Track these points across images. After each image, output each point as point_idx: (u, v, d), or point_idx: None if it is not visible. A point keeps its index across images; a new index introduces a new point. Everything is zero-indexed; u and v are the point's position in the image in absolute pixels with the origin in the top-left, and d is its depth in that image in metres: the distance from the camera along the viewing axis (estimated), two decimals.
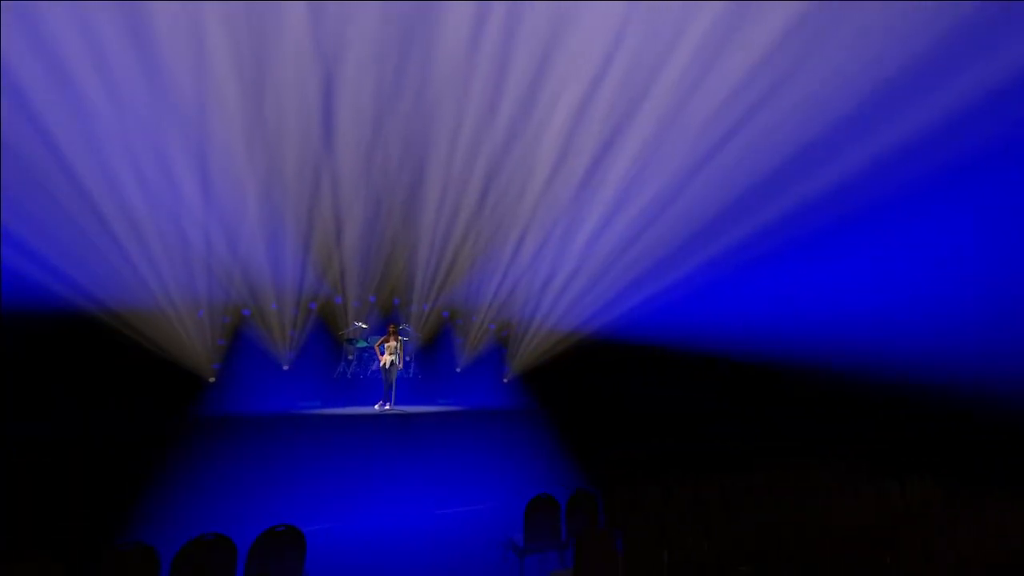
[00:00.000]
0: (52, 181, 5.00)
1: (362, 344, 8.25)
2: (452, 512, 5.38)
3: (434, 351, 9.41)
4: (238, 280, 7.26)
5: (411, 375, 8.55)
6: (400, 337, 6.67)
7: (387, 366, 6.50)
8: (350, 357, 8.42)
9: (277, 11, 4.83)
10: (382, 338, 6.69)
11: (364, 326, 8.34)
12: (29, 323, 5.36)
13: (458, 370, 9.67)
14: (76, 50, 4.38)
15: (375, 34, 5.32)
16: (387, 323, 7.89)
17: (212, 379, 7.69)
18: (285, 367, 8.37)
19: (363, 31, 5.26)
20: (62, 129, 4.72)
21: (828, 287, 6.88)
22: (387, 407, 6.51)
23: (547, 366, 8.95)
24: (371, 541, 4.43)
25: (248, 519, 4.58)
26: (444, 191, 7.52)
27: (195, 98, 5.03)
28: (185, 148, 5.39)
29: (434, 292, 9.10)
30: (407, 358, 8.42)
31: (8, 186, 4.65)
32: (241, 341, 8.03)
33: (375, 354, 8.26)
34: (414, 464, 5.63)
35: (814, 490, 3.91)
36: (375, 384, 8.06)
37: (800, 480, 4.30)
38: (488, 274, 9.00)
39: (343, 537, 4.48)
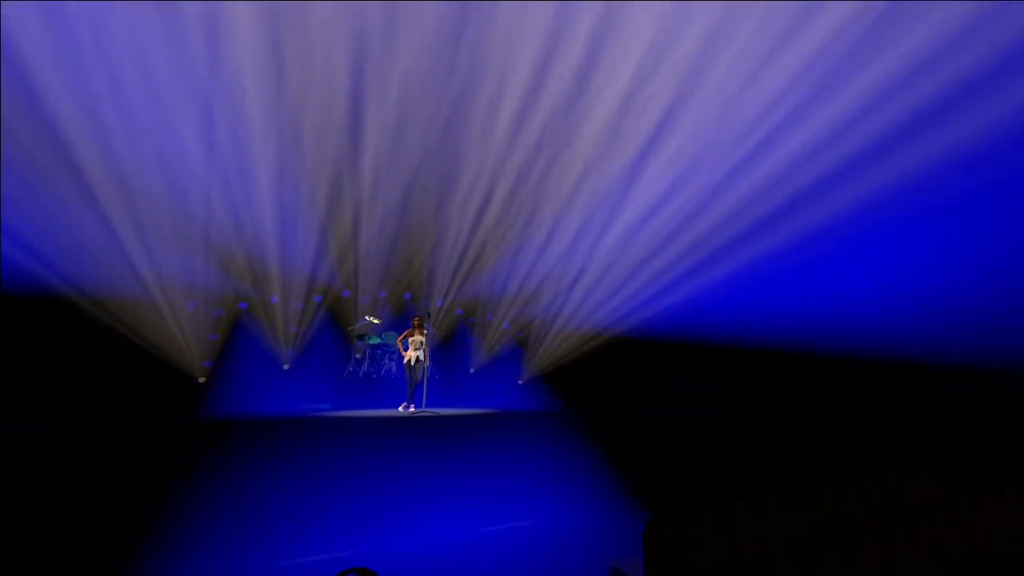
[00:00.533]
0: (35, 143, 4.17)
1: (375, 340, 7.47)
2: (494, 530, 4.67)
3: (449, 350, 8.70)
4: (240, 263, 6.40)
5: (430, 375, 7.80)
6: (425, 331, 5.94)
7: (412, 363, 5.75)
8: (358, 355, 7.62)
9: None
10: (406, 332, 5.95)
11: (376, 321, 7.55)
12: None
13: (472, 371, 8.99)
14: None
15: (412, 23, 4.82)
16: (405, 318, 7.16)
17: (202, 379, 6.77)
18: (286, 366, 7.50)
19: (399, 19, 4.74)
20: (56, 92, 3.95)
21: (875, 285, 6.51)
22: (411, 409, 5.75)
23: (576, 365, 8.32)
24: (400, 570, 3.69)
25: (257, 543, 3.79)
26: (474, 183, 6.93)
27: (209, 62, 4.34)
28: (192, 112, 4.62)
29: (454, 288, 8.40)
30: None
31: None
32: (237, 337, 7.14)
33: (388, 351, 7.50)
34: (446, 474, 4.88)
35: (911, 511, 3.39)
36: (390, 385, 7.28)
37: (891, 497, 3.78)
38: (512, 271, 8.38)
39: (366, 564, 3.71)
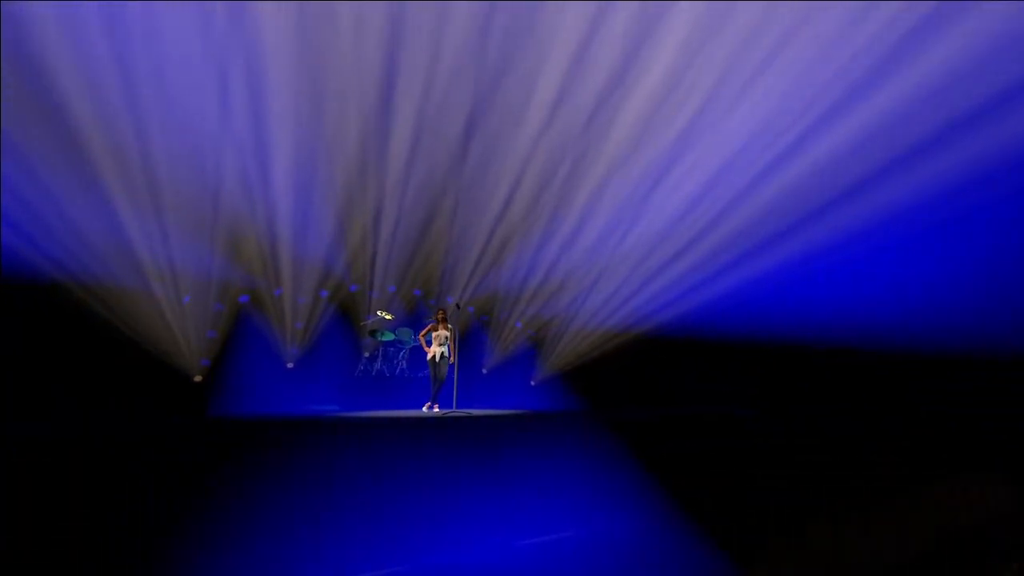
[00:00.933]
0: (27, 116, 3.66)
1: (388, 337, 6.99)
2: (531, 543, 4.22)
3: (463, 349, 8.26)
4: (249, 245, 5.89)
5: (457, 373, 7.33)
6: (449, 327, 5.49)
7: (436, 359, 5.29)
8: (366, 353, 7.14)
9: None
10: (429, 326, 5.49)
11: (389, 316, 7.07)
12: None
13: (484, 371, 8.57)
14: None
15: (443, 21, 4.50)
16: (423, 313, 6.71)
17: (198, 378, 6.22)
18: (290, 365, 6.98)
19: (432, 17, 4.41)
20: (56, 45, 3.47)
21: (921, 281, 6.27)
22: (436, 409, 5.28)
23: (598, 364, 7.94)
24: None
25: (254, 562, 3.30)
26: (498, 179, 6.57)
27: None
28: (205, 68, 4.15)
29: (470, 286, 7.98)
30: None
31: None
32: (236, 334, 6.60)
33: (402, 348, 7.03)
34: (475, 481, 4.42)
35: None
36: (403, 384, 6.81)
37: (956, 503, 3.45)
38: (532, 268, 8.01)
39: None
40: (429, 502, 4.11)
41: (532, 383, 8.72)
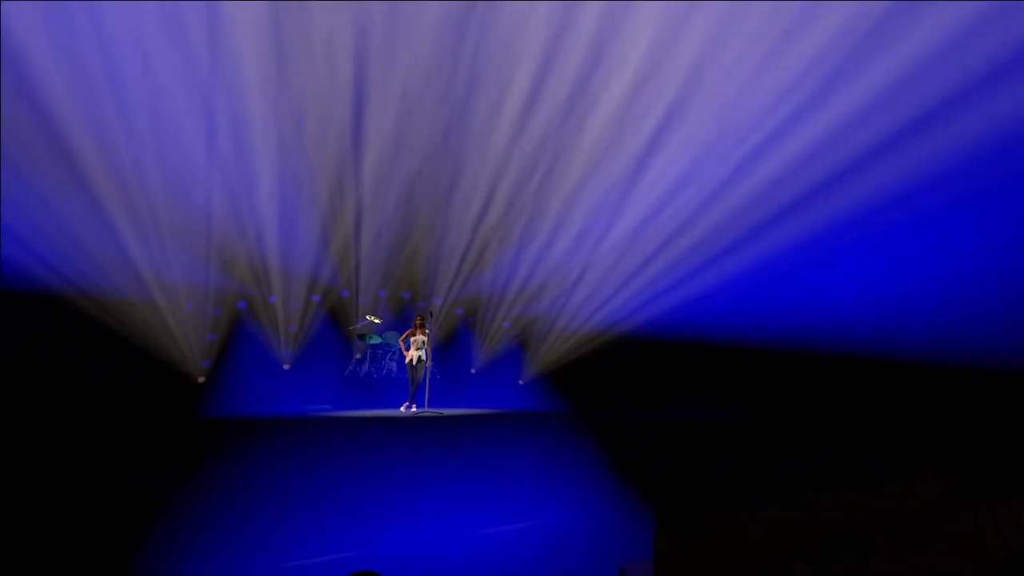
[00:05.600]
0: (33, 136, 4.10)
1: (376, 340, 7.42)
2: (499, 531, 4.63)
3: (449, 350, 8.66)
4: (240, 261, 6.34)
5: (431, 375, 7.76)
6: (427, 330, 5.90)
7: (414, 363, 5.71)
8: (358, 355, 7.58)
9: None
10: (408, 331, 5.91)
11: (377, 321, 7.50)
12: None
13: (473, 371, 8.95)
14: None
15: (416, 24, 4.80)
16: (407, 317, 7.11)
17: (200, 379, 6.70)
18: (286, 366, 7.44)
19: (405, 20, 4.71)
20: (56, 85, 3.89)
21: (889, 283, 6.50)
22: (414, 409, 5.70)
23: (576, 366, 8.30)
24: (404, 572, 3.65)
25: (260, 547, 3.74)
26: (474, 185, 6.89)
27: (209, 53, 4.28)
28: (191, 104, 4.56)
29: (454, 288, 8.36)
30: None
31: None
32: (236, 337, 7.07)
33: (389, 351, 7.46)
34: (449, 475, 4.85)
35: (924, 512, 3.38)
36: (391, 384, 7.23)
37: (901, 498, 3.76)
38: (512, 270, 8.35)
39: (371, 566, 3.67)
40: (402, 493, 4.54)
41: (520, 382, 9.09)
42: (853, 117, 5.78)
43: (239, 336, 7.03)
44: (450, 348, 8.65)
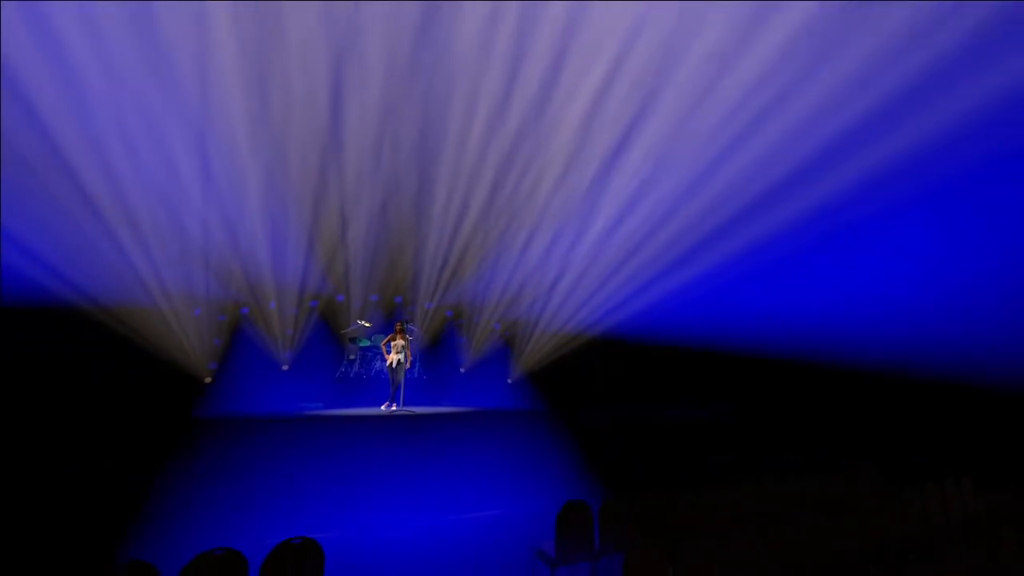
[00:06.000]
0: (48, 175, 4.73)
1: (365, 343, 7.99)
2: (468, 518, 5.14)
3: (438, 351, 9.18)
4: (237, 276, 6.98)
5: (416, 375, 8.31)
6: (407, 335, 6.43)
7: (394, 365, 6.25)
8: (351, 357, 8.15)
9: (285, 5, 4.61)
10: (388, 336, 6.45)
11: (367, 324, 8.07)
12: (18, 319, 5.06)
13: (462, 370, 9.45)
14: (78, 43, 4.14)
15: (385, 29, 5.17)
16: (393, 321, 7.65)
17: (208, 380, 7.38)
18: (285, 367, 8.08)
19: (373, 27, 5.10)
20: (59, 121, 4.47)
21: (843, 284, 6.75)
22: (394, 408, 6.26)
23: (556, 366, 8.74)
24: (381, 550, 4.18)
25: (252, 529, 4.33)
26: (452, 190, 7.33)
27: (198, 89, 4.80)
28: (185, 139, 5.14)
29: (437, 291, 8.87)
30: (413, 357, 8.21)
31: (4, 180, 4.40)
32: (239, 340, 7.74)
33: (378, 353, 8.02)
34: (425, 468, 5.38)
35: (838, 502, 3.74)
36: (380, 384, 7.81)
37: (822, 490, 4.13)
38: (495, 273, 8.80)
39: (350, 546, 4.23)
40: (385, 482, 5.10)
41: (509, 381, 9.56)
42: (808, 121, 6.00)
43: (242, 339, 7.70)
44: (440, 348, 9.18)
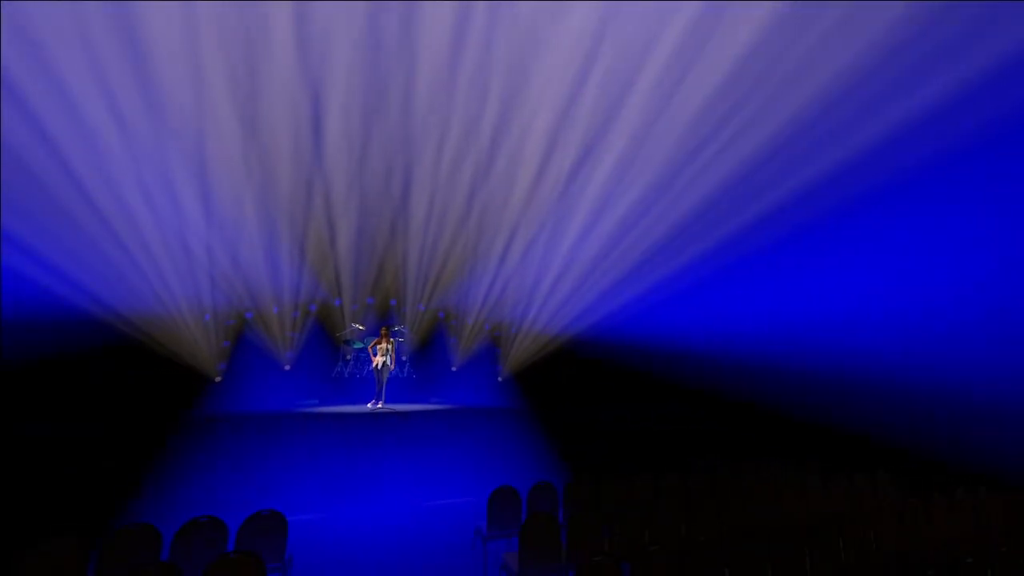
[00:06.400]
0: (80, 214, 5.50)
1: (358, 345, 8.65)
2: (437, 504, 5.75)
3: (430, 350, 9.79)
4: (240, 287, 7.70)
5: (406, 374, 8.96)
6: (392, 339, 7.05)
7: (379, 367, 6.88)
8: (348, 358, 8.83)
9: (268, 44, 5.20)
10: (375, 340, 7.07)
11: (361, 328, 8.73)
12: (55, 330, 5.85)
13: (454, 368, 10.04)
14: (83, 84, 4.78)
15: (358, 55, 5.67)
16: (382, 325, 8.28)
17: (218, 378, 8.15)
18: (287, 367, 8.81)
19: (345, 53, 5.61)
20: (86, 166, 5.19)
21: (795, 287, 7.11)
22: (379, 405, 6.90)
23: (534, 366, 9.28)
24: (359, 529, 4.81)
25: (243, 506, 5.02)
26: (432, 199, 7.89)
27: (195, 128, 5.46)
28: (188, 174, 5.83)
29: (426, 294, 9.48)
30: (403, 358, 8.86)
31: (42, 215, 5.15)
32: (245, 343, 8.49)
33: (368, 355, 8.68)
34: (402, 459, 6.00)
35: (763, 486, 4.20)
36: (371, 383, 8.49)
37: (749, 476, 4.59)
38: (478, 276, 9.35)
39: (333, 526, 4.87)
40: (364, 471, 5.74)
41: (499, 379, 10.13)
42: (786, 113, 6.27)
43: (248, 342, 8.45)
44: (432, 348, 9.80)
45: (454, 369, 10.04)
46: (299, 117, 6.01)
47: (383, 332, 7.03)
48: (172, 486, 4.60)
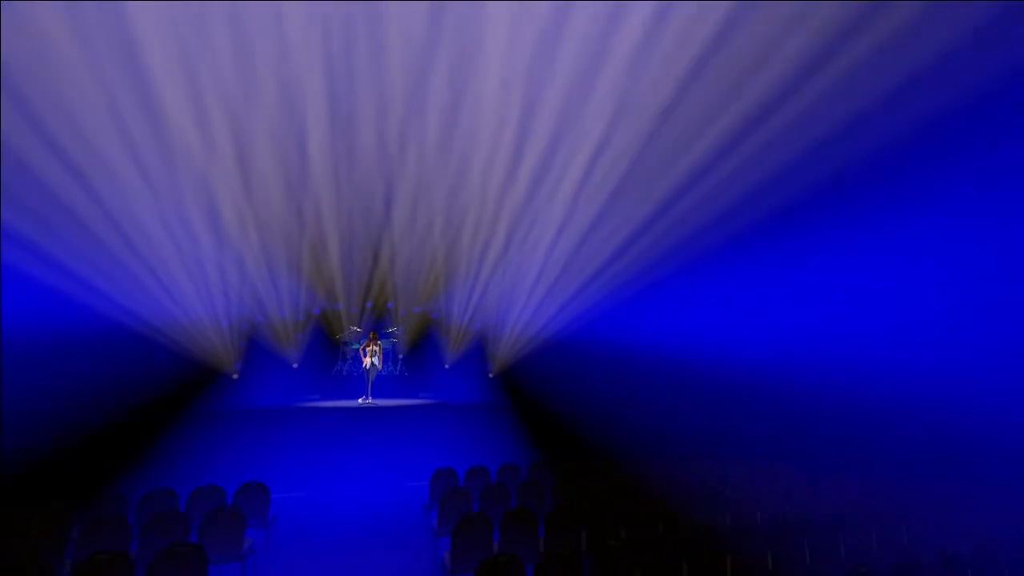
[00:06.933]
0: (118, 248, 6.67)
1: (355, 346, 9.69)
2: (411, 485, 6.72)
3: (423, 350, 10.75)
4: (248, 298, 8.82)
5: (399, 372, 9.96)
6: (379, 342, 8.02)
7: (368, 367, 7.87)
8: (349, 357, 9.89)
9: (260, 107, 6.13)
10: (365, 343, 8.06)
11: (358, 330, 9.75)
12: (106, 342, 7.09)
13: (447, 366, 10.99)
14: (104, 138, 5.85)
15: (329, 87, 6.34)
16: (378, 327, 9.28)
17: (235, 375, 9.33)
18: (295, 365, 9.94)
19: (319, 88, 6.33)
20: (119, 207, 6.32)
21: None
22: (369, 400, 7.90)
23: (517, 364, 10.13)
24: (340, 504, 5.80)
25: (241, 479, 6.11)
26: (413, 213, 8.77)
27: (202, 167, 6.51)
28: (200, 213, 6.91)
29: (418, 298, 10.42)
30: (399, 356, 9.88)
31: (94, 252, 6.35)
32: (258, 344, 9.65)
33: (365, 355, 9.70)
34: (382, 447, 6.98)
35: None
36: (364, 380, 9.55)
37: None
38: (462, 281, 10.21)
39: (317, 500, 5.87)
40: (354, 455, 6.75)
41: (490, 375, 11.02)
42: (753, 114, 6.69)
43: (262, 342, 9.60)
44: (427, 347, 10.77)
45: (447, 367, 10.97)
46: (288, 163, 6.97)
47: (371, 336, 8.01)
48: (191, 461, 5.71)
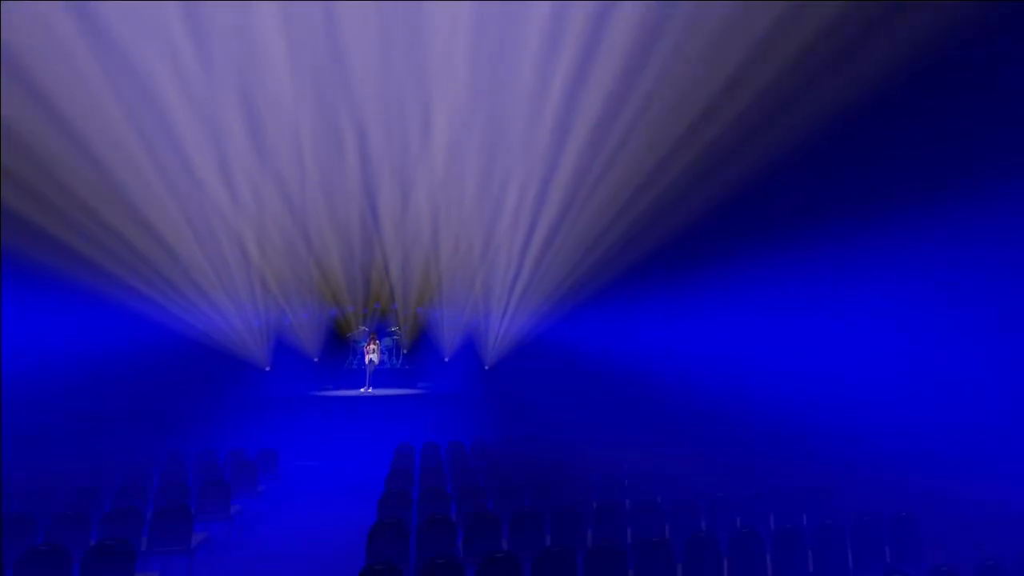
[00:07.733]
0: (180, 278, 8.66)
1: (362, 344, 11.37)
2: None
3: (423, 345, 12.32)
4: (274, 304, 10.69)
5: (399, 366, 11.58)
6: (378, 340, 9.63)
7: (368, 362, 9.52)
8: (357, 353, 11.60)
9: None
10: (366, 342, 9.69)
11: (365, 329, 11.42)
12: (169, 346, 9.12)
13: (446, 359, 12.51)
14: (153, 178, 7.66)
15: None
16: (380, 327, 10.91)
17: (267, 368, 11.27)
18: (316, 359, 11.79)
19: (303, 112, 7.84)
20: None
21: None
22: (369, 390, 9.55)
23: (506, 359, 11.53)
24: (340, 470, 7.41)
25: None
26: (398, 226, 10.25)
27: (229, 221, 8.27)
28: (232, 252, 8.71)
29: (416, 299, 11.96)
30: (402, 352, 11.52)
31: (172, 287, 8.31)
32: (286, 341, 11.54)
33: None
34: (377, 426, 8.59)
35: None
36: (363, 374, 11.28)
37: None
38: (453, 284, 11.63)
39: (323, 468, 7.52)
40: (355, 433, 8.42)
41: (486, 367, 12.45)
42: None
43: (288, 340, 11.50)
44: (428, 342, 12.33)
45: (446, 360, 12.48)
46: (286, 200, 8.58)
47: (371, 336, 9.62)
48: (226, 431, 7.58)
